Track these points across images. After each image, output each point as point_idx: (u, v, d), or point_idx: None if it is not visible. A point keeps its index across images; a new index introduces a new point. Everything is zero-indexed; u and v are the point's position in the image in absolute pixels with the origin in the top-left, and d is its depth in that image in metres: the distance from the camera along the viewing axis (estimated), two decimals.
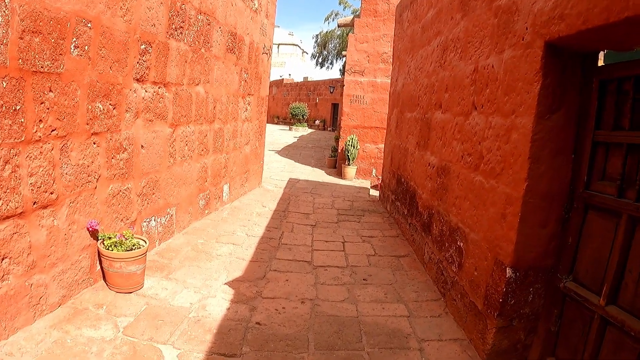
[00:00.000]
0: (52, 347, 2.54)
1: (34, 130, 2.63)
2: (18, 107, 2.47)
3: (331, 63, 39.72)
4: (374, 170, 11.93)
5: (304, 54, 66.17)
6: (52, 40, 2.70)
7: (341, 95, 27.90)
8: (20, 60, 2.44)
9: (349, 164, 11.54)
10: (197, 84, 4.88)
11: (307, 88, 34.54)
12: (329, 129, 30.82)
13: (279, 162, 13.48)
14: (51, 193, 2.82)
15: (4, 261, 2.47)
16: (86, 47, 3.02)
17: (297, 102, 32.33)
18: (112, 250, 3.24)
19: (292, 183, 9.87)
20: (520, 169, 2.47)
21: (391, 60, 11.61)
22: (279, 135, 23.86)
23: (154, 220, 4.22)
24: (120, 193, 3.62)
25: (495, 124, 2.83)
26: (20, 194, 2.55)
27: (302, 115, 29.82)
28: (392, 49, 11.54)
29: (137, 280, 3.35)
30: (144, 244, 3.48)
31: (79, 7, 2.88)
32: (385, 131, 11.70)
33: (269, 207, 6.66)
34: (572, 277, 2.52)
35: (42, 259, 2.79)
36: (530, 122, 2.41)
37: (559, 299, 2.59)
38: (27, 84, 2.53)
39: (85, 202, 3.17)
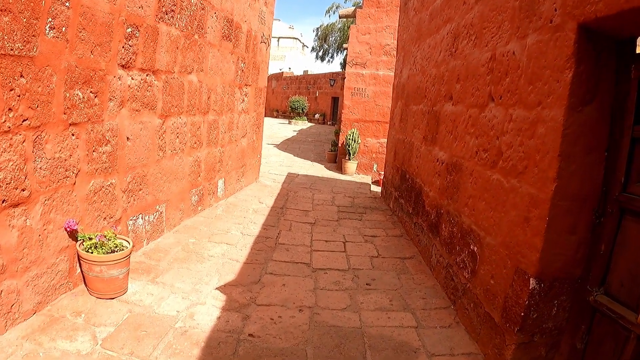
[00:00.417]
0: None
1: (3, 120, 2.35)
2: None
3: (332, 57, 39.53)
4: (375, 166, 11.66)
5: (304, 47, 65.93)
6: (24, 20, 2.41)
7: (341, 88, 27.71)
8: None
9: (349, 159, 11.26)
10: (190, 72, 4.59)
11: (307, 81, 34.23)
12: (328, 122, 30.55)
13: (277, 156, 13.20)
14: (23, 190, 2.54)
15: None
16: (63, 28, 2.73)
17: (297, 95, 32.03)
18: (92, 252, 2.96)
19: (291, 178, 9.59)
20: (549, 167, 2.19)
21: (394, 52, 11.33)
22: (278, 129, 23.58)
23: (142, 218, 3.94)
24: (103, 189, 3.33)
25: (516, 117, 2.54)
26: None
27: (302, 109, 29.55)
28: (395, 41, 11.25)
29: (120, 285, 3.08)
30: (128, 245, 3.20)
31: None
32: (387, 125, 11.43)
33: (266, 203, 6.38)
34: (603, 290, 2.25)
35: (13, 262, 2.52)
36: (560, 115, 2.13)
37: (588, 313, 2.33)
38: None
39: (62, 199, 2.89)
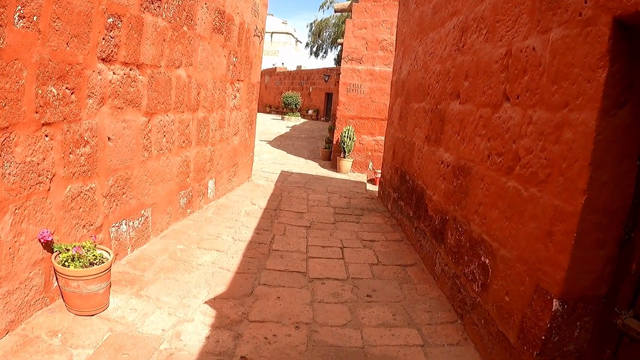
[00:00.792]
0: None
1: None
2: None
3: (325, 52, 39.35)
4: (371, 164, 11.45)
5: (298, 43, 65.70)
6: None
7: (335, 84, 27.51)
8: None
9: (344, 157, 11.03)
10: (178, 67, 4.32)
11: (300, 77, 33.95)
12: (322, 119, 30.32)
13: (270, 154, 12.93)
14: None
15: None
16: (35, 17, 2.46)
17: (290, 91, 31.77)
18: (69, 266, 2.71)
19: (285, 176, 9.34)
20: (578, 177, 1.97)
21: (391, 48, 11.11)
22: (271, 125, 23.27)
23: (125, 224, 3.69)
24: (82, 195, 3.07)
25: (537, 119, 2.32)
26: None
27: (295, 105, 29.33)
28: (392, 36, 11.03)
29: (100, 300, 2.83)
30: (108, 256, 2.95)
31: None
32: (383, 123, 11.24)
33: (258, 204, 6.13)
34: (633, 312, 2.04)
35: None
36: (592, 119, 1.91)
37: (614, 337, 2.12)
38: None
39: (35, 207, 2.63)
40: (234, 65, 6.09)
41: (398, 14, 7.24)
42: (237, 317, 2.94)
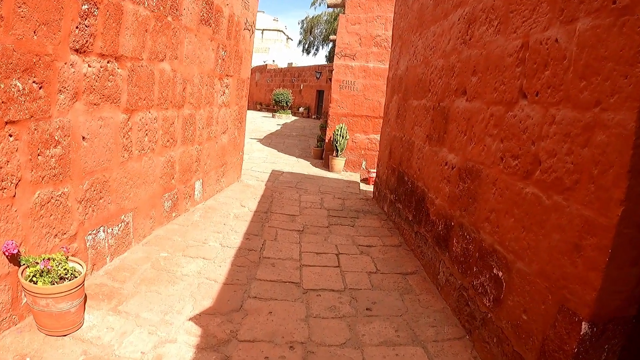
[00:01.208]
0: None
1: None
2: None
3: (317, 49, 39.27)
4: (364, 163, 11.24)
5: (289, 40, 65.65)
6: None
7: (326, 81, 27.35)
8: None
9: (337, 156, 10.81)
10: (162, 60, 4.04)
11: (291, 74, 33.75)
12: (313, 116, 30.14)
13: (261, 152, 12.66)
14: None
15: None
16: None
17: (281, 88, 31.58)
18: (37, 282, 2.43)
19: (276, 176, 9.09)
20: (613, 185, 1.75)
21: (385, 44, 10.89)
22: (262, 123, 22.98)
23: (103, 231, 3.41)
24: (53, 200, 2.80)
25: (562, 119, 2.10)
26: None
27: (286, 102, 29.14)
28: (386, 32, 10.81)
29: (72, 319, 2.56)
30: (81, 269, 2.68)
31: None
32: (377, 121, 11.02)
33: (248, 207, 5.87)
34: None
35: None
36: (631, 120, 1.68)
37: None
38: None
39: None
40: (223, 59, 5.81)
41: (395, 7, 7.01)
42: (225, 337, 2.69)
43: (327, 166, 11.18)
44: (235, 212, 5.52)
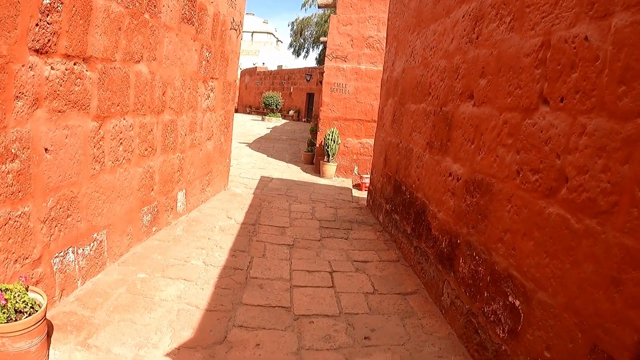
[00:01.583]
0: None
1: None
2: None
3: (307, 52, 39.23)
4: (357, 168, 10.98)
5: (279, 42, 65.69)
6: None
7: (317, 84, 27.15)
8: None
9: (328, 161, 10.54)
10: (138, 61, 3.72)
11: (281, 77, 33.55)
12: (303, 119, 29.92)
13: (249, 157, 12.34)
14: None
15: None
16: None
17: (271, 91, 31.37)
18: None
19: (265, 182, 8.78)
20: None
21: (378, 45, 10.65)
22: (251, 126, 22.68)
23: (72, 252, 3.08)
24: (11, 222, 2.47)
25: (595, 129, 1.82)
26: None
27: (276, 105, 28.94)
28: (379, 33, 10.57)
29: (34, 359, 2.23)
30: (43, 301, 2.36)
31: None
32: (370, 125, 10.76)
33: (235, 218, 5.55)
34: None
35: None
36: None
37: None
38: None
39: None
40: (207, 61, 5.49)
41: (389, 6, 6.75)
42: None
43: (318, 172, 10.90)
44: (221, 224, 5.20)
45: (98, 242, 3.41)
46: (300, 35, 38.58)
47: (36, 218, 2.70)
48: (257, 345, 2.72)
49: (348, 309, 3.31)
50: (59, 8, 2.68)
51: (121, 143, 3.59)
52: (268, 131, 21.08)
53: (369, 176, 9.74)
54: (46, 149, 2.71)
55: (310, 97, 29.79)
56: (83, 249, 3.22)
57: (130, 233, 3.93)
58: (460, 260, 3.09)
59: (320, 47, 35.08)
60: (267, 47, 58.68)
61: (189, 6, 4.63)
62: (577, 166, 1.92)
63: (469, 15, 3.25)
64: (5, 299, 2.20)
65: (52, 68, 2.69)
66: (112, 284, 3.32)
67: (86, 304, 3.00)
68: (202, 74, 5.36)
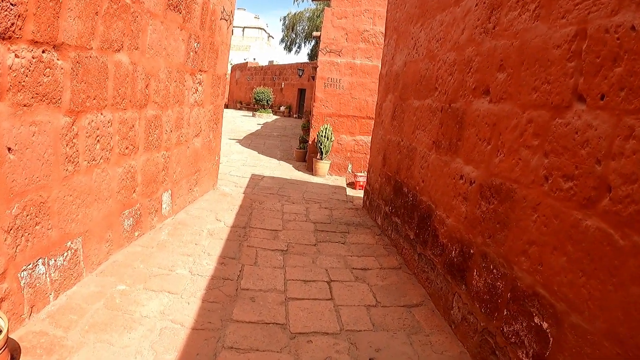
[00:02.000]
0: None
1: None
2: None
3: (299, 47, 39.16)
4: (350, 166, 10.77)
5: (270, 38, 65.56)
6: None
7: (308, 80, 26.89)
8: None
9: (321, 158, 10.30)
10: (118, 50, 3.42)
11: (272, 72, 33.28)
12: (294, 115, 29.68)
13: (240, 154, 12.06)
14: None
15: None
16: None
17: (262, 86, 31.16)
18: None
19: (256, 181, 8.52)
20: None
21: (373, 39, 10.41)
22: (242, 122, 22.36)
23: (43, 263, 2.79)
24: None
25: None
26: None
27: (267, 101, 28.71)
28: (375, 27, 10.34)
29: None
30: (3, 325, 2.08)
31: None
32: (364, 121, 10.54)
33: (224, 221, 5.27)
34: None
35: None
36: None
37: None
38: None
39: None
40: (196, 52, 5.20)
41: None
42: None
43: (310, 169, 10.66)
44: (210, 227, 4.92)
45: (73, 251, 3.12)
46: (292, 31, 38.34)
47: None
48: None
49: (349, 325, 3.06)
50: None
51: (98, 141, 3.30)
52: (259, 127, 20.78)
53: (363, 174, 9.52)
54: (9, 149, 2.42)
55: (301, 92, 29.54)
56: (55, 260, 2.93)
57: (109, 239, 3.64)
58: (475, 273, 2.84)
59: (313, 42, 34.84)
60: (258, 43, 58.44)
61: None
62: (622, 174, 1.68)
63: (484, 2, 3.00)
64: None
65: (16, 56, 2.39)
66: (88, 298, 3.03)
67: (59, 322, 2.72)
68: (189, 65, 5.06)
